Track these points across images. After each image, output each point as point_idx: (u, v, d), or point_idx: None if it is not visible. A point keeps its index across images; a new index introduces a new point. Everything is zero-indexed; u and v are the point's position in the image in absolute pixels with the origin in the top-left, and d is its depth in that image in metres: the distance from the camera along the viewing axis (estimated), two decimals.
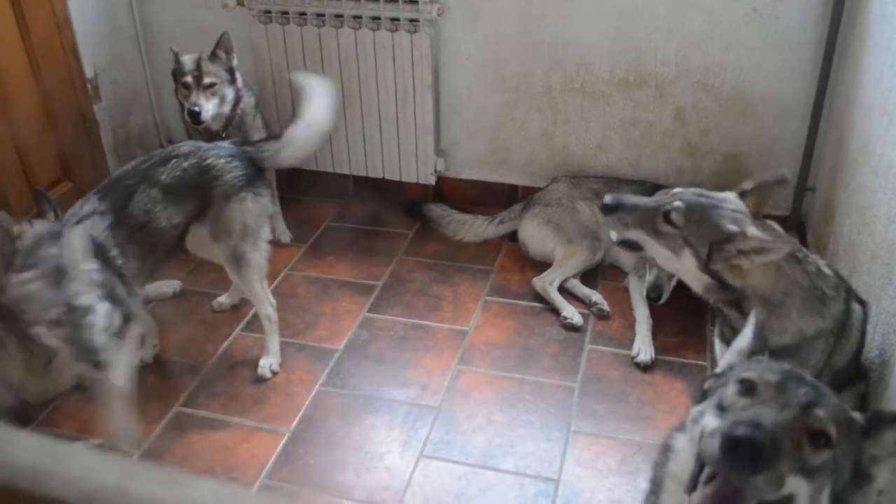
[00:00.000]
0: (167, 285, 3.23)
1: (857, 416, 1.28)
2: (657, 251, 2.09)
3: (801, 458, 1.20)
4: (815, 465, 1.21)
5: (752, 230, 1.94)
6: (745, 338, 1.48)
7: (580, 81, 3.50)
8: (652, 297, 2.93)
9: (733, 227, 1.94)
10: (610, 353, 2.93)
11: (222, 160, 2.65)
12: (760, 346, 1.44)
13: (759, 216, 2.03)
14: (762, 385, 1.28)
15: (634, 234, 2.10)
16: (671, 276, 2.90)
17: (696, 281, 2.06)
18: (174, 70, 3.24)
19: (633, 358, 2.87)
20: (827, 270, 2.06)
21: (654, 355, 2.88)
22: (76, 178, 3.56)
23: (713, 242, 1.95)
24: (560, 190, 3.46)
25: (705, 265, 1.98)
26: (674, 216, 2.00)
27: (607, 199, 2.14)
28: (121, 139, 3.86)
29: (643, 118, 3.51)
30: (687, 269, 2.04)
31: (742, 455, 1.15)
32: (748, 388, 1.29)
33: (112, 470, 0.47)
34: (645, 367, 2.84)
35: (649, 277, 2.95)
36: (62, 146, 3.48)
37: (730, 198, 2.04)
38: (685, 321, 3.07)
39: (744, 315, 1.99)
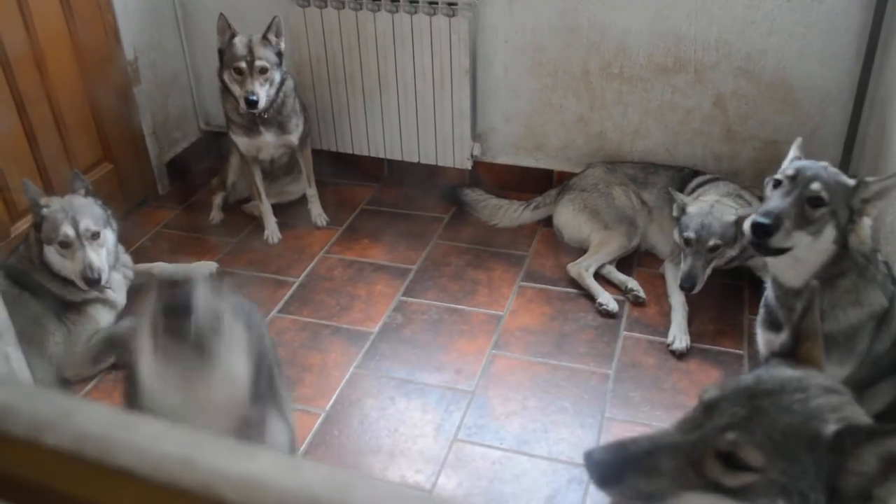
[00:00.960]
0: (204, 266, 3.27)
1: (829, 429, 1.18)
2: (802, 241, 2.00)
3: (707, 478, 1.19)
4: (734, 486, 1.18)
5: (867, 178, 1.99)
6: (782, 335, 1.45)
7: (618, 66, 3.47)
8: (686, 287, 2.90)
9: (852, 180, 1.97)
10: (645, 341, 2.92)
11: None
12: (788, 347, 1.39)
13: None
14: (698, 406, 1.28)
15: (794, 239, 2.01)
16: (706, 265, 2.88)
17: (819, 257, 2.02)
18: (221, 48, 3.25)
19: (668, 345, 2.86)
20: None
21: (689, 343, 2.86)
22: (116, 160, 3.62)
23: (849, 204, 1.97)
24: (596, 175, 3.44)
25: (843, 232, 1.97)
26: (823, 194, 1.97)
27: (760, 219, 2.01)
28: (159, 122, 3.90)
29: (681, 104, 3.47)
30: (822, 246, 2.00)
31: (590, 472, 1.24)
32: (696, 406, 1.30)
33: (177, 440, 0.48)
34: (680, 355, 2.83)
35: (683, 266, 2.92)
36: (103, 128, 3.53)
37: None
38: (722, 309, 3.05)
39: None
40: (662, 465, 1.21)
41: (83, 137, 3.42)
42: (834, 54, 3.18)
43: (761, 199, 3.16)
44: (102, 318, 2.88)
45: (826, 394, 1.24)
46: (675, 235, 2.98)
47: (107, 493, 0.47)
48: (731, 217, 2.86)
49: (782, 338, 1.39)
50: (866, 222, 2.00)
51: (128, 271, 3.07)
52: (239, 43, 3.22)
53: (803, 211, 1.98)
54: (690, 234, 2.87)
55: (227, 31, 3.24)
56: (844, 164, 3.28)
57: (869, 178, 1.95)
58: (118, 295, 2.95)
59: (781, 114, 3.35)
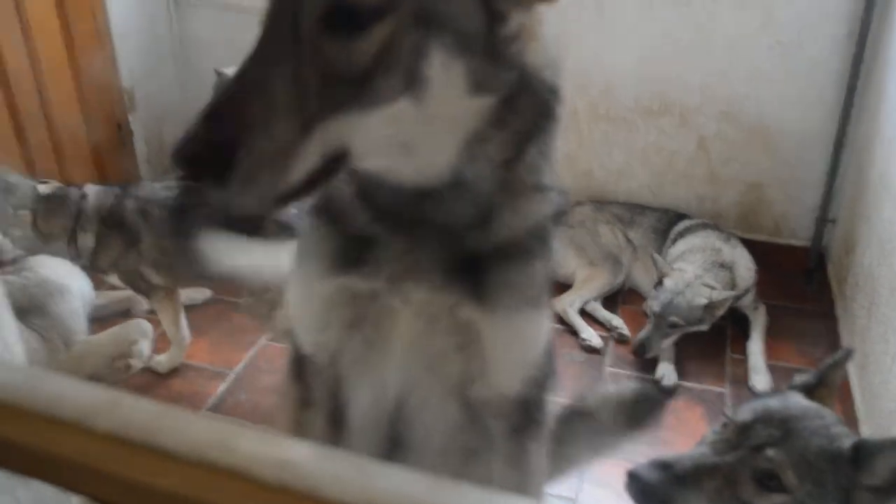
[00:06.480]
0: (197, 292, 3.29)
1: (847, 443, 1.24)
2: None
3: (740, 499, 1.24)
4: None
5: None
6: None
7: (605, 107, 3.56)
8: (636, 353, 2.96)
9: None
10: (629, 377, 2.96)
11: None
12: (810, 384, 1.43)
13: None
14: (731, 425, 1.32)
15: None
16: (664, 337, 2.93)
17: None
18: (217, 84, 3.33)
19: (656, 381, 2.88)
20: None
21: (677, 380, 2.90)
22: (110, 185, 3.66)
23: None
24: (583, 213, 3.50)
25: None
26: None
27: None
28: (153, 150, 3.95)
29: (666, 146, 3.56)
30: None
31: (634, 491, 1.28)
32: (723, 425, 1.34)
33: (214, 428, 0.53)
34: (668, 392, 2.86)
35: (641, 332, 2.97)
36: (97, 153, 3.59)
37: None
38: (704, 346, 3.09)
39: None
40: (703, 486, 1.24)
41: (79, 161, 3.47)
42: (813, 100, 3.28)
43: (744, 241, 3.26)
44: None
45: (838, 423, 1.31)
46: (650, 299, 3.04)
47: (151, 473, 0.51)
48: (701, 300, 2.89)
49: (806, 376, 1.43)
50: None
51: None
52: (232, 72, 3.28)
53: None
54: (655, 307, 2.93)
55: (218, 76, 3.34)
56: (824, 207, 3.37)
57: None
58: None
59: (763, 157, 3.44)
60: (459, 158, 1.02)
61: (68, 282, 2.83)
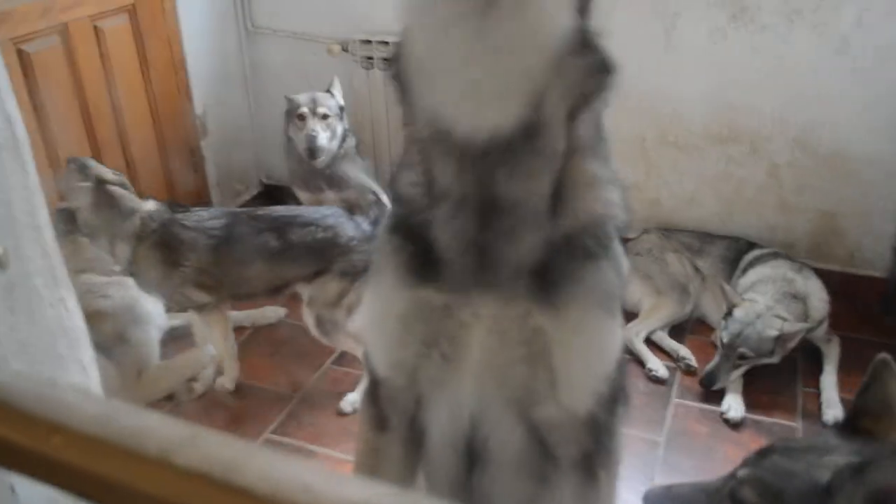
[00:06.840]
0: (271, 311, 3.33)
1: (826, 477, 1.17)
2: None
3: None
4: None
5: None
6: None
7: (673, 135, 3.51)
8: (704, 385, 2.91)
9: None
10: (696, 409, 2.90)
11: None
12: (843, 420, 1.43)
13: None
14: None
15: None
16: (732, 368, 2.87)
17: None
18: (288, 109, 3.42)
19: (722, 414, 2.83)
20: None
21: (744, 412, 2.83)
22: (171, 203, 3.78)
23: None
24: (651, 241, 3.45)
25: None
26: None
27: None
28: (223, 174, 4.04)
29: (736, 174, 3.49)
30: None
31: None
32: None
33: (295, 466, 0.52)
34: (734, 425, 2.79)
35: (710, 364, 2.92)
36: (170, 176, 3.69)
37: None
38: (776, 379, 3.01)
39: None
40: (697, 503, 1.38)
41: (152, 185, 3.57)
42: (891, 126, 3.17)
43: (817, 271, 3.16)
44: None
45: (851, 455, 1.23)
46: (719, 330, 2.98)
47: None
48: (772, 332, 2.83)
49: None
50: None
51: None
52: (302, 97, 3.41)
53: None
54: (724, 338, 2.88)
55: (289, 100, 3.44)
56: None
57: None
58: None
59: (838, 185, 3.34)
60: (528, 98, 1.05)
61: (150, 307, 2.92)
